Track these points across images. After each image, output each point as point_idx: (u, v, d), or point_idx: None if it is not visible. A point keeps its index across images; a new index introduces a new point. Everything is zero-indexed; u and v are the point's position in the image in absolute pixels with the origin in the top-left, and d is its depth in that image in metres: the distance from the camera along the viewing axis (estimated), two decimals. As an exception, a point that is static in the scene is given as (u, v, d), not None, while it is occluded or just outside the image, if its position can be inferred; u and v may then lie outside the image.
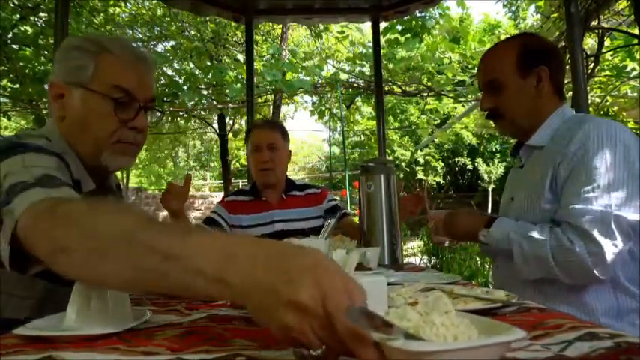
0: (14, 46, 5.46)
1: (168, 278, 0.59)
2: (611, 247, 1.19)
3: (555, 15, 4.75)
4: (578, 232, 1.21)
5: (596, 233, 1.19)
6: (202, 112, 9.03)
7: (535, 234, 1.29)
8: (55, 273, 0.71)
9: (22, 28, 5.57)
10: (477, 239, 1.43)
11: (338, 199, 2.34)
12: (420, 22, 5.63)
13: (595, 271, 1.20)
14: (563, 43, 3.84)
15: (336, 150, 17.83)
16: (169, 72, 7.33)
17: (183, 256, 0.58)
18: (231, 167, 12.69)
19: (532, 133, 1.45)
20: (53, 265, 0.71)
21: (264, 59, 8.29)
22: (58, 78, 1.06)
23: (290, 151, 2.27)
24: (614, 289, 1.27)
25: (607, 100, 5.66)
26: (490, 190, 13.98)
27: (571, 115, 1.46)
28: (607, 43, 4.76)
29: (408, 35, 5.65)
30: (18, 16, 5.47)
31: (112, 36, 1.10)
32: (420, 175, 16.81)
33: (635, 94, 5.63)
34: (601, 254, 1.19)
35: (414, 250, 6.93)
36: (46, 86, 5.42)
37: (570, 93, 2.45)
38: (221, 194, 12.24)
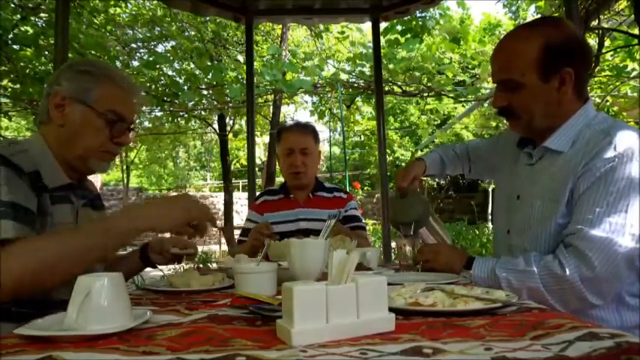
0: (15, 47, 5.45)
1: (105, 247, 1.08)
2: (612, 279, 1.14)
3: (555, 15, 4.74)
4: (579, 255, 1.16)
5: (598, 264, 1.13)
6: (202, 112, 9.03)
7: (522, 266, 1.23)
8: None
9: (22, 29, 5.56)
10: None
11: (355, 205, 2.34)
12: (420, 23, 5.62)
13: (590, 298, 1.16)
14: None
15: (336, 150, 17.83)
16: (170, 72, 7.31)
17: (112, 226, 1.06)
18: (232, 167, 12.68)
19: (549, 133, 1.33)
20: (23, 289, 0.97)
21: (264, 59, 8.28)
22: (63, 91, 1.25)
23: (320, 152, 2.33)
24: (617, 306, 1.23)
25: (607, 101, 5.66)
26: (490, 190, 13.96)
27: (594, 116, 1.32)
28: (607, 43, 4.75)
29: (408, 35, 5.63)
30: (18, 16, 5.46)
31: (115, 67, 1.40)
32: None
33: (635, 94, 5.62)
34: (596, 281, 1.14)
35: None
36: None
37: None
38: (221, 194, 12.22)
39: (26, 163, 1.14)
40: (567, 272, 1.15)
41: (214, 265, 1.55)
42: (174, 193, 15.66)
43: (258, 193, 2.43)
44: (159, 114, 8.19)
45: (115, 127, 1.29)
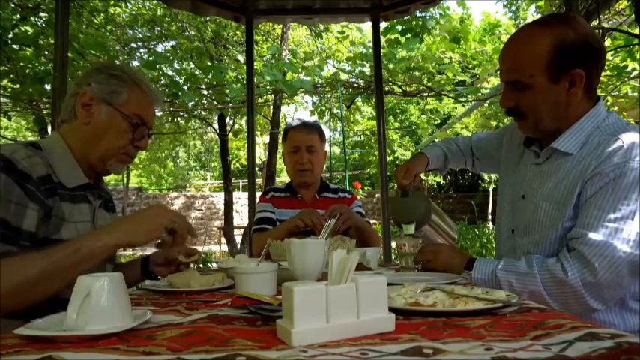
0: (15, 46, 5.45)
1: (82, 262, 1.03)
2: (614, 285, 1.14)
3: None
4: (582, 260, 1.15)
5: (601, 269, 1.12)
6: (202, 112, 9.03)
7: (523, 268, 1.22)
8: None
9: (22, 29, 5.56)
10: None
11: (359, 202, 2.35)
12: (420, 22, 5.62)
13: (591, 303, 1.16)
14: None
15: (337, 150, 17.83)
16: (169, 72, 7.31)
17: (81, 246, 1.03)
18: (232, 167, 12.68)
19: (557, 134, 1.30)
20: (15, 300, 0.96)
21: (264, 59, 8.28)
22: (92, 91, 1.30)
23: (326, 152, 2.34)
24: (620, 310, 1.23)
25: (607, 100, 5.66)
26: (490, 190, 13.98)
27: (605, 117, 1.28)
28: (607, 43, 4.75)
29: (408, 35, 5.63)
30: (18, 16, 5.47)
31: (141, 75, 1.40)
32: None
33: (636, 94, 5.62)
34: (598, 287, 1.14)
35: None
36: (47, 86, 5.46)
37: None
38: (221, 194, 12.23)
39: (36, 167, 1.14)
40: (569, 276, 1.15)
41: (214, 265, 1.54)
42: (174, 194, 15.68)
43: (259, 194, 2.42)
44: (159, 114, 8.19)
45: (137, 131, 1.34)
